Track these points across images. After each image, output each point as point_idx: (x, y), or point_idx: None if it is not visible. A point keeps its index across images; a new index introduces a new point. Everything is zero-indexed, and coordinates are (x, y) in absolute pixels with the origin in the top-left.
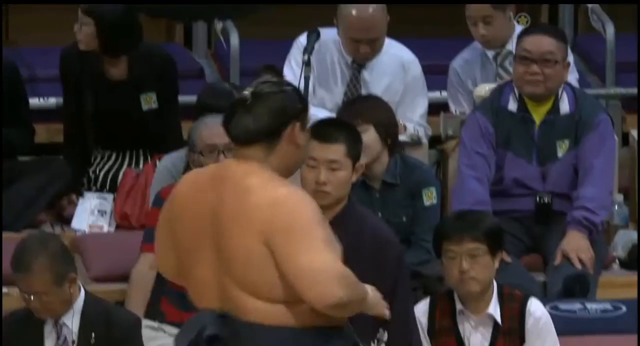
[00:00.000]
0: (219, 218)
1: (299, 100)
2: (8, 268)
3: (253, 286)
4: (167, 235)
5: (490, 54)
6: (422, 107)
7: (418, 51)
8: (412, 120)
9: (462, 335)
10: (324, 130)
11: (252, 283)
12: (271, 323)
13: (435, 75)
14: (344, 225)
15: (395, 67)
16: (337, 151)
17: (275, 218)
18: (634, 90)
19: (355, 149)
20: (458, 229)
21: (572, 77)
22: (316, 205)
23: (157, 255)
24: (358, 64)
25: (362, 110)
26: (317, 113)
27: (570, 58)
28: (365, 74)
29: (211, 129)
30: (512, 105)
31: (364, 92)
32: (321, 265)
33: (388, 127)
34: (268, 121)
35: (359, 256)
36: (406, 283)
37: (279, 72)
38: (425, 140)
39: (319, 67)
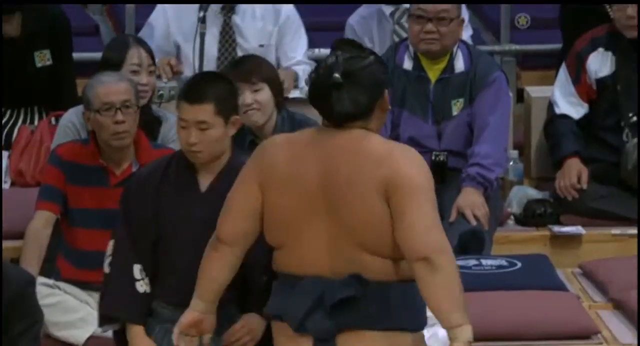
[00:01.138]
0: (336, 184)
1: (384, 68)
2: None
3: (376, 246)
4: (253, 202)
5: (387, 10)
6: (302, 45)
7: (311, 8)
8: (295, 58)
9: None
10: (192, 91)
11: (376, 242)
12: (397, 279)
13: (329, 32)
14: (228, 176)
15: (266, 10)
16: (205, 111)
17: (397, 176)
18: (529, 47)
19: (225, 106)
20: None
21: (467, 35)
22: (427, 166)
23: (228, 219)
24: (228, 10)
25: (252, 68)
26: None
27: (465, 14)
28: (237, 19)
29: (107, 87)
30: (408, 64)
31: (238, 37)
32: (436, 225)
33: (277, 84)
34: (368, 99)
35: None
36: None
37: (356, 45)
38: None
39: (186, 18)
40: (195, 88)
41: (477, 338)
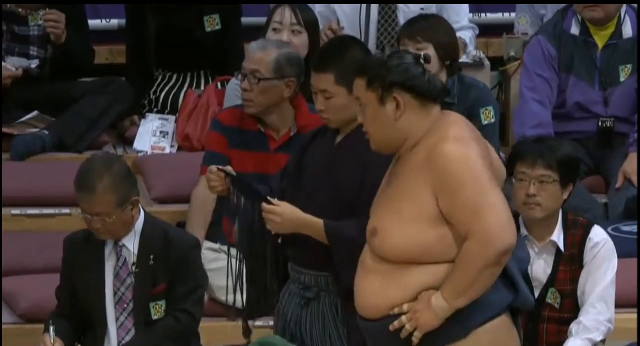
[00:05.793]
0: None
1: None
2: (72, 188)
3: None
4: None
5: None
6: (465, 9)
7: None
8: (459, 23)
9: None
10: (315, 60)
11: None
12: None
13: None
14: (359, 140)
15: None
16: (326, 80)
17: None
18: None
19: (346, 76)
20: (534, 153)
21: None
22: None
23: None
24: None
25: (422, 28)
26: None
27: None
28: None
29: (250, 53)
30: (575, 29)
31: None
32: None
33: (448, 49)
34: None
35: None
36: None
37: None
38: (487, 62)
39: None
40: (318, 58)
41: None
